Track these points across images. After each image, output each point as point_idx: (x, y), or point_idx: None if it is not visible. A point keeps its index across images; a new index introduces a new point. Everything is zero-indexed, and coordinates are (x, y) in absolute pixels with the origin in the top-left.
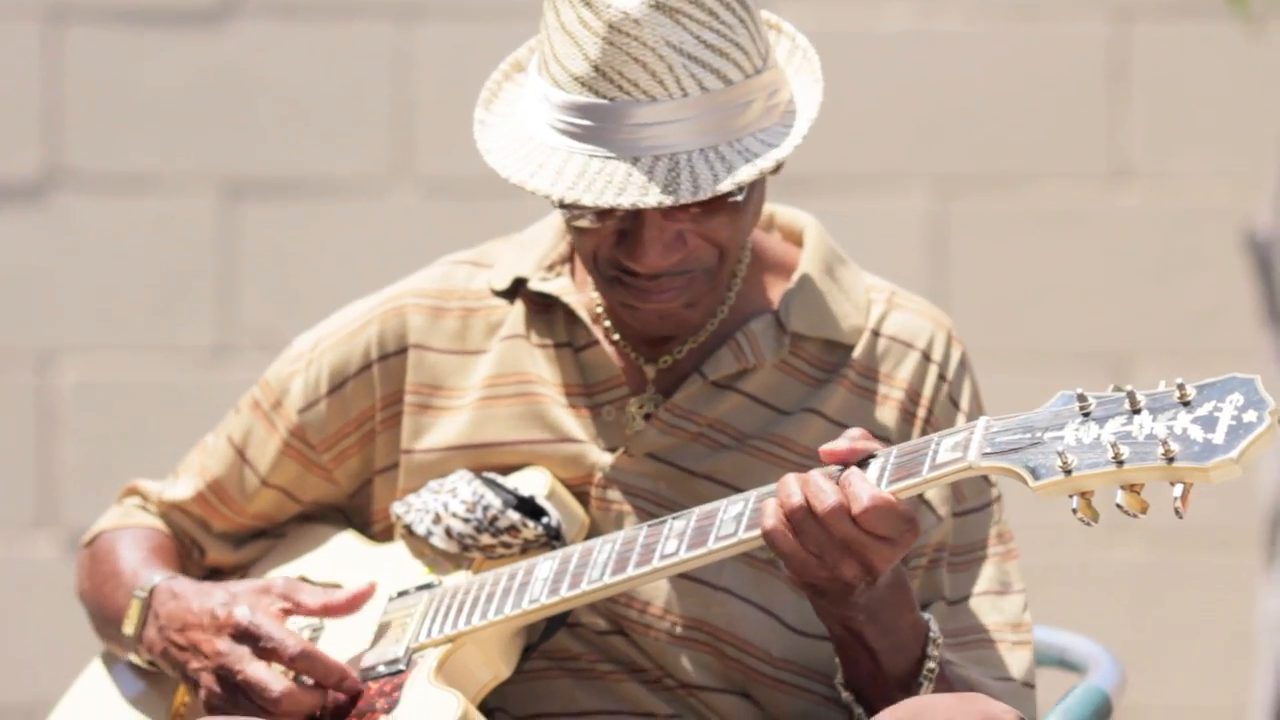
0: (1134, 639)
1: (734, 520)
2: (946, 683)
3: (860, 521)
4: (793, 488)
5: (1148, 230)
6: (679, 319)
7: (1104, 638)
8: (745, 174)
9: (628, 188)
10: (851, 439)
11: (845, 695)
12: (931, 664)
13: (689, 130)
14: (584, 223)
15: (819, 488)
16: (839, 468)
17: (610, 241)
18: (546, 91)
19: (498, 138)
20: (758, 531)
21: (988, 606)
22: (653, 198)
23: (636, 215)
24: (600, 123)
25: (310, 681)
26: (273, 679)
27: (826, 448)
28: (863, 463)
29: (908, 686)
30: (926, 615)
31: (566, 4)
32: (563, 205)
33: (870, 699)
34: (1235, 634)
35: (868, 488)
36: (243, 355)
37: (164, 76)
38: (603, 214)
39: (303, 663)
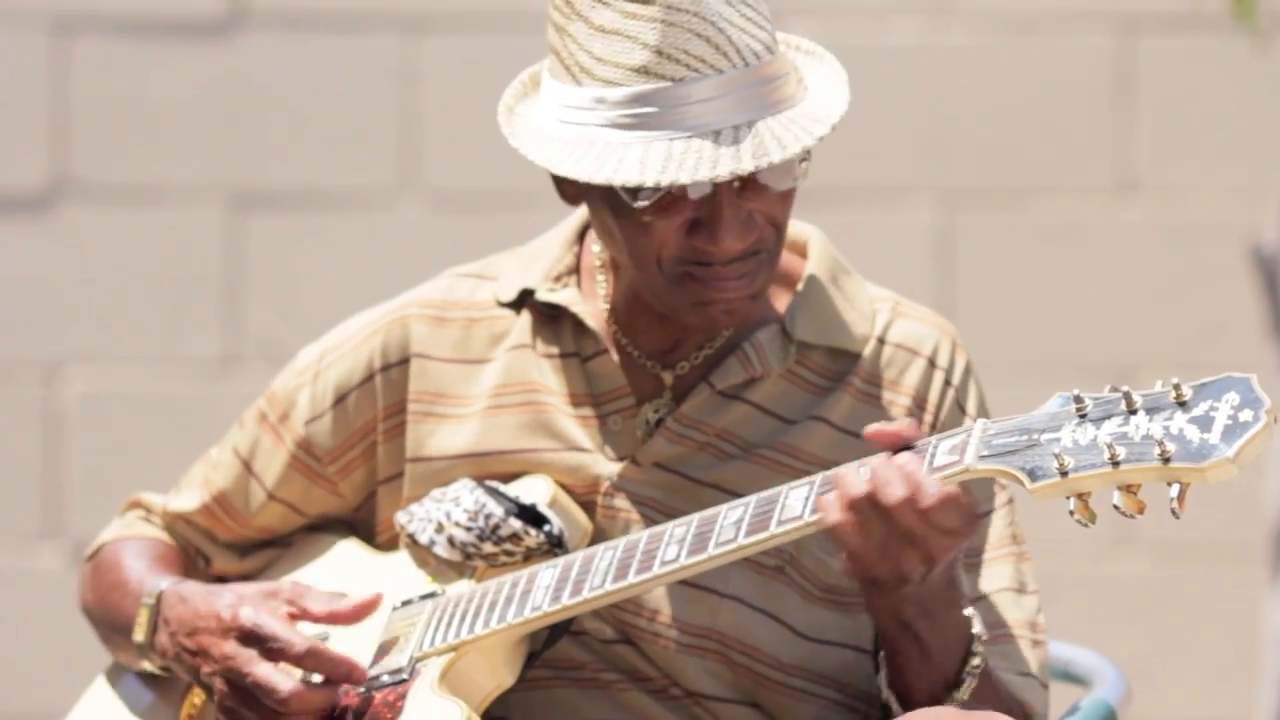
0: (1139, 652)
1: (734, 526)
2: (987, 680)
3: (930, 515)
4: (853, 479)
5: (1153, 244)
6: (744, 312)
7: (1109, 650)
8: (819, 129)
9: (720, 159)
10: (901, 425)
11: (886, 693)
12: (976, 660)
13: (752, 100)
14: (652, 215)
15: (885, 479)
16: (889, 453)
17: (679, 236)
18: (598, 95)
19: (553, 152)
20: (758, 537)
21: (1008, 603)
22: (747, 163)
23: (712, 199)
24: (667, 107)
25: (318, 680)
26: (281, 679)
27: (872, 428)
28: (906, 448)
29: (952, 684)
30: (969, 612)
31: (600, 8)
32: (648, 194)
33: (915, 697)
34: (1240, 647)
35: (934, 481)
36: (249, 366)
37: (171, 88)
38: (677, 200)
39: (310, 661)
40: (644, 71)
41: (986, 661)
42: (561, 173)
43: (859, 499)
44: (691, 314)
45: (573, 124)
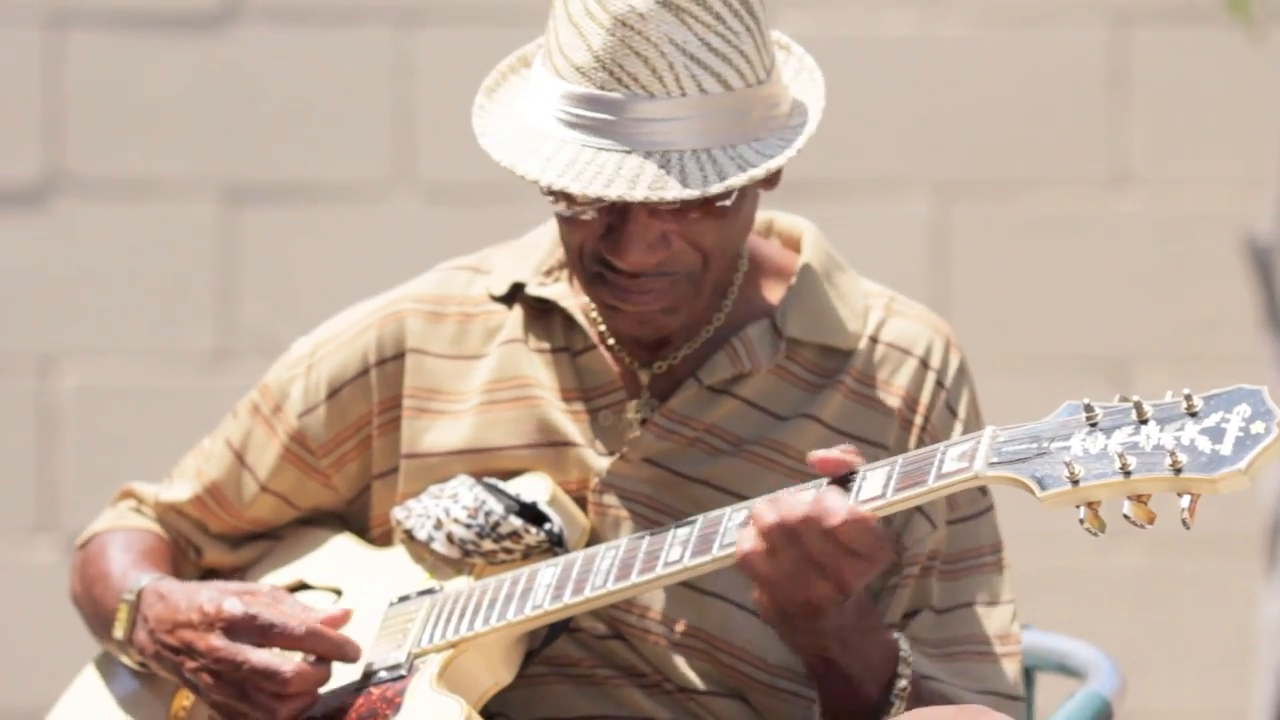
0: (1134, 644)
1: (738, 529)
2: (921, 700)
3: (838, 534)
4: (763, 509)
5: (1148, 236)
6: (658, 324)
7: (1104, 643)
8: (735, 180)
9: (615, 180)
10: (844, 449)
11: None
12: (903, 682)
13: (684, 131)
14: (578, 214)
15: (790, 503)
16: (811, 483)
17: (596, 236)
18: (551, 82)
19: (495, 124)
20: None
21: (976, 617)
22: (639, 192)
23: (624, 211)
24: (600, 115)
25: (312, 659)
26: (281, 662)
27: (817, 454)
28: (845, 477)
29: (880, 709)
30: (895, 635)
31: None
32: (550, 193)
33: None
34: (1235, 639)
35: (844, 501)
36: (243, 360)
37: (165, 81)
38: (590, 206)
39: (311, 640)
40: (582, 73)
41: (934, 684)
42: (482, 145)
43: (769, 526)
44: (607, 315)
45: (533, 103)
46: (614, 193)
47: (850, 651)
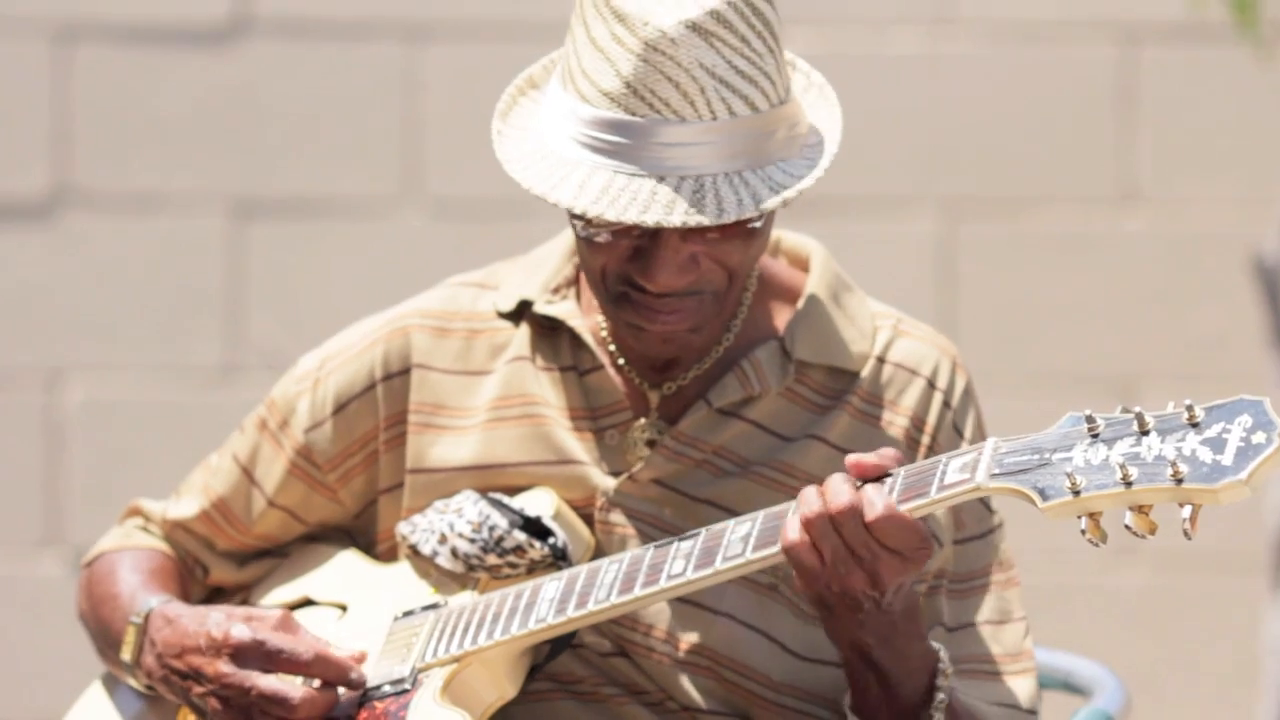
0: (1139, 662)
1: (741, 540)
2: (954, 713)
3: (873, 529)
4: (810, 496)
5: (1155, 254)
6: (682, 343)
7: (1109, 660)
8: (770, 202)
9: (652, 205)
10: (881, 455)
11: (852, 718)
12: (941, 694)
13: (714, 154)
14: (601, 238)
15: (835, 489)
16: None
17: (622, 258)
18: (573, 106)
19: (517, 149)
20: (766, 552)
21: (987, 637)
22: (677, 217)
23: (654, 234)
24: (627, 139)
25: (318, 683)
26: (289, 688)
27: (852, 458)
28: (880, 478)
29: (916, 716)
30: (937, 645)
31: (599, 20)
32: (583, 219)
33: None
34: (1241, 657)
35: (883, 498)
36: (251, 375)
37: (173, 96)
38: (620, 231)
39: (319, 666)
40: (611, 99)
41: (958, 695)
42: (509, 172)
43: (813, 515)
44: (630, 336)
45: (551, 126)
46: (651, 219)
47: (889, 649)
